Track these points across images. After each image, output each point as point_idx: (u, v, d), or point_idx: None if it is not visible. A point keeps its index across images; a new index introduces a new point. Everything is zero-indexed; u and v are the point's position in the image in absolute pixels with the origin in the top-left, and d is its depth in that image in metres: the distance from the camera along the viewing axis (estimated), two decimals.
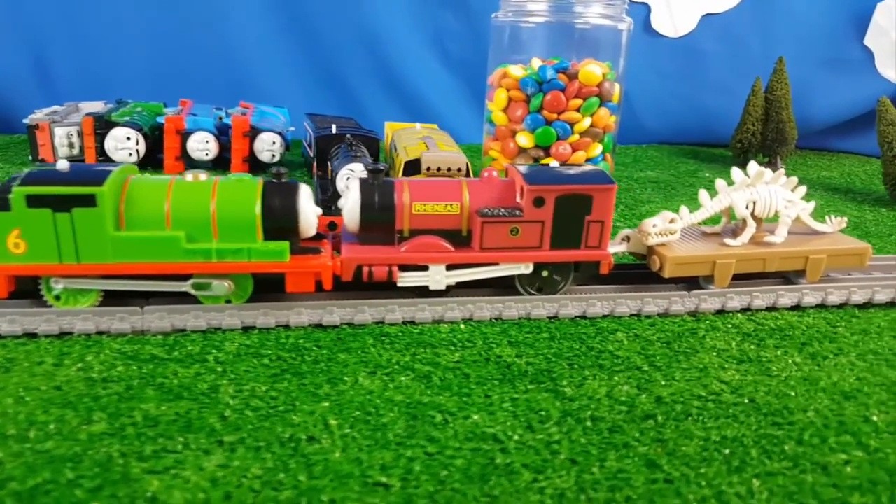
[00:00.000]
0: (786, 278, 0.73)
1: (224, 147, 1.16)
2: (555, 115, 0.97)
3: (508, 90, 1.00)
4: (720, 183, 0.72)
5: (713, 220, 0.75)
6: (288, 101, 1.39)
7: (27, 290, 0.59)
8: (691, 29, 1.53)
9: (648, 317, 0.66)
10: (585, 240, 0.64)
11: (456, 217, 0.63)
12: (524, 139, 0.99)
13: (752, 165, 0.72)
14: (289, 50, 1.48)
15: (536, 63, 1.01)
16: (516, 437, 0.45)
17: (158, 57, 1.43)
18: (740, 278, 0.70)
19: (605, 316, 0.65)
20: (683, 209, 0.70)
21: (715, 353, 0.59)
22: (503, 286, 0.67)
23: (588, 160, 1.00)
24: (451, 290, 0.65)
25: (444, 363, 0.55)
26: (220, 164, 1.17)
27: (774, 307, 0.69)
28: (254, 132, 1.15)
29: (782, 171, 0.73)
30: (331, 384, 0.51)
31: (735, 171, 0.73)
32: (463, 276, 0.64)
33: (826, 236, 0.75)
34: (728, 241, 0.70)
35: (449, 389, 0.51)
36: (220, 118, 1.18)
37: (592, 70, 0.96)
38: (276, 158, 1.16)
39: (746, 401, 0.51)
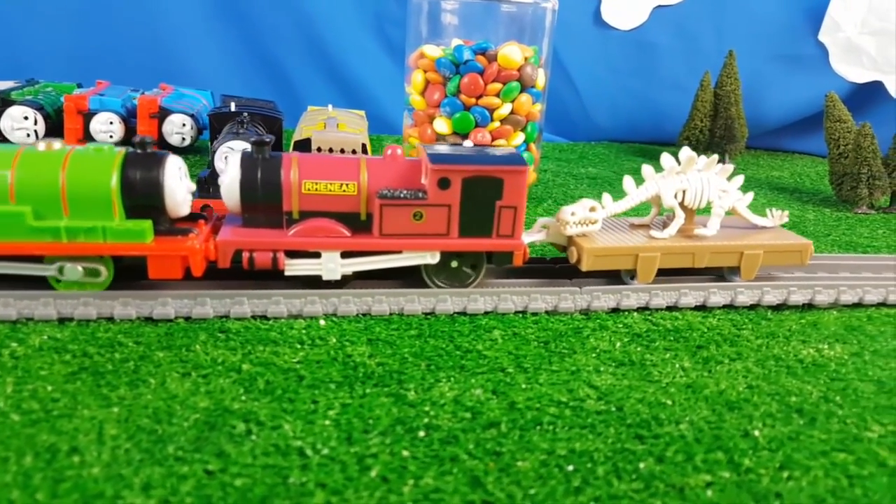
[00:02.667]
0: (721, 276, 0.67)
1: (132, 129, 1.09)
2: (473, 100, 0.91)
3: (426, 72, 0.93)
4: (647, 169, 0.66)
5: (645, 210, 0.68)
6: (220, 85, 1.32)
7: None
8: (642, 21, 1.47)
9: (535, 314, 0.60)
10: (497, 228, 0.58)
11: (353, 199, 0.56)
12: (442, 125, 0.93)
13: (684, 151, 0.66)
14: (221, 32, 1.40)
15: (455, 43, 0.95)
16: (326, 451, 0.39)
17: (83, 38, 1.35)
18: (669, 274, 0.64)
19: (487, 312, 0.59)
20: (606, 197, 0.64)
21: (594, 355, 0.53)
22: (410, 278, 0.60)
23: None
24: (347, 282, 0.59)
25: (280, 364, 0.48)
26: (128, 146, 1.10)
27: (676, 306, 0.63)
28: (162, 113, 1.08)
29: (715, 157, 0.66)
30: (130, 387, 0.44)
31: (665, 157, 0.66)
32: (360, 264, 0.57)
33: (765, 231, 0.69)
34: (654, 233, 0.65)
35: (271, 394, 0.44)
36: (135, 100, 1.11)
37: (511, 52, 0.90)
38: (187, 142, 1.09)
39: (613, 409, 0.45)
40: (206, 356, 0.48)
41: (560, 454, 0.39)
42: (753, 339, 0.57)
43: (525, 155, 0.97)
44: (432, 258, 0.58)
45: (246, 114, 0.83)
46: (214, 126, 0.85)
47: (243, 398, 0.43)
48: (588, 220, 0.62)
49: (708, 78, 1.32)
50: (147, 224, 0.52)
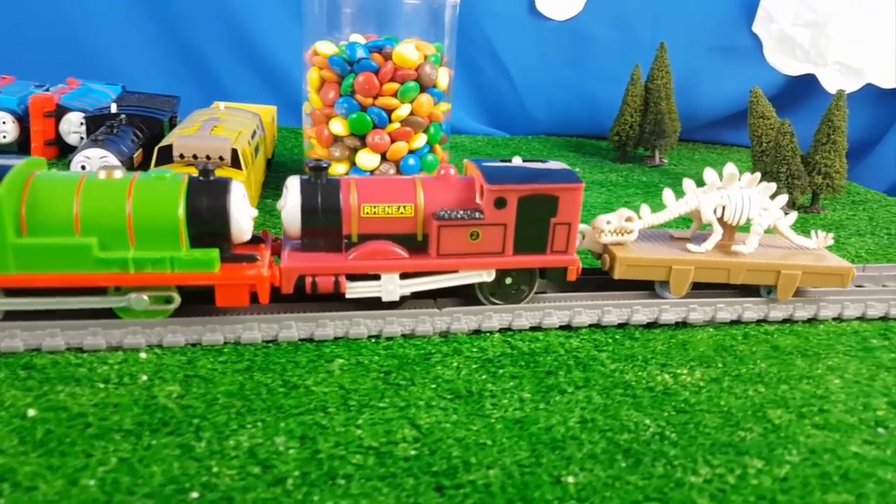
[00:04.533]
0: (758, 293, 0.66)
1: (27, 129, 1.04)
2: (370, 101, 0.87)
3: (321, 69, 0.89)
4: (688, 183, 0.66)
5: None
6: (139, 81, 1.26)
7: None
8: (578, 12, 1.43)
9: (390, 338, 0.56)
10: (551, 244, 0.59)
11: (410, 220, 0.57)
12: (338, 126, 0.89)
13: (728, 167, 0.66)
14: (141, 24, 1.34)
15: (354, 40, 0.90)
16: None
17: None
18: (704, 288, 0.64)
19: (337, 339, 0.56)
20: (644, 208, 0.65)
21: (433, 386, 0.49)
22: (464, 295, 0.61)
23: (411, 152, 0.90)
24: (404, 301, 0.59)
25: (73, 408, 0.44)
26: (25, 147, 1.04)
27: (539, 327, 0.59)
28: (59, 112, 1.03)
29: (758, 175, 0.66)
30: None
31: (707, 172, 0.66)
32: (418, 285, 0.58)
33: (806, 252, 0.67)
34: (691, 246, 0.64)
35: (44, 447, 0.40)
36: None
37: (406, 51, 0.86)
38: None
39: (425, 453, 0.42)
40: None
41: None
42: (609, 362, 0.54)
43: (429, 157, 0.93)
44: (488, 276, 0.59)
45: (123, 116, 0.79)
46: (90, 128, 0.81)
47: (11, 451, 0.40)
48: (624, 230, 0.63)
49: (638, 71, 1.29)
50: (214, 253, 0.51)
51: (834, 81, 1.31)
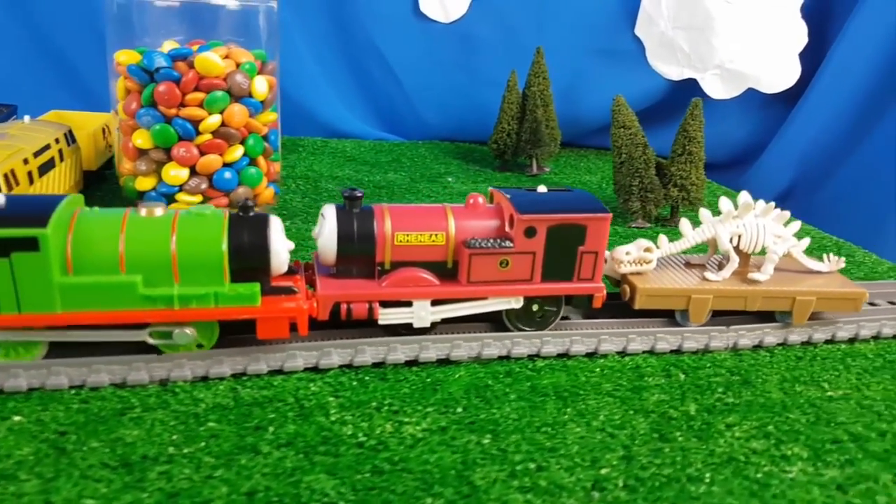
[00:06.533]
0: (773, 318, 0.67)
1: None
2: (173, 111, 0.81)
3: (126, 78, 0.83)
4: (704, 213, 0.68)
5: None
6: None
7: None
8: (462, 13, 1.38)
9: (96, 388, 0.50)
10: (578, 272, 0.60)
11: (441, 248, 0.58)
12: (142, 138, 0.82)
13: (742, 196, 0.68)
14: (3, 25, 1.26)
15: (167, 46, 0.84)
16: None
17: None
18: (722, 314, 0.66)
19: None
20: (662, 238, 0.67)
21: (107, 451, 0.43)
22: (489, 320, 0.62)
23: (226, 165, 0.84)
24: (435, 328, 0.60)
25: None
26: None
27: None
28: None
29: (772, 204, 0.68)
30: None
31: (723, 201, 0.67)
32: (448, 311, 0.59)
33: (819, 276, 0.69)
34: (709, 275, 0.66)
35: None
36: None
37: (210, 58, 0.79)
38: None
39: None
40: None
41: None
42: (335, 411, 0.49)
43: (252, 171, 0.87)
44: (516, 303, 0.60)
45: None
46: None
47: None
48: (642, 260, 0.64)
49: (514, 77, 1.24)
50: (256, 287, 0.52)
51: (715, 87, 1.28)
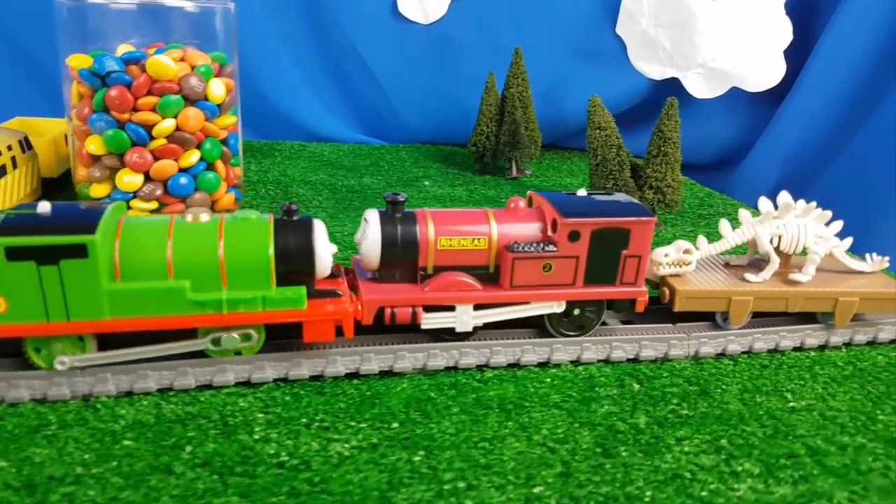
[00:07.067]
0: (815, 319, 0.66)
1: None
2: (126, 116, 0.79)
3: (79, 83, 0.81)
4: (744, 214, 0.67)
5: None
6: None
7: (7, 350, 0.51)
8: (442, 15, 1.36)
9: (15, 405, 0.49)
10: (621, 276, 0.59)
11: (483, 253, 0.58)
12: (94, 144, 0.80)
13: (782, 196, 0.67)
14: None
15: (122, 50, 0.82)
16: None
17: None
18: (763, 316, 0.65)
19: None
20: (701, 240, 0.66)
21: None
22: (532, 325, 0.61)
23: (182, 170, 0.82)
24: (476, 332, 0.60)
25: None
26: None
27: (210, 385, 0.52)
28: None
29: (814, 204, 0.66)
30: None
31: (762, 202, 0.66)
32: (490, 316, 0.58)
33: (862, 276, 0.67)
34: (749, 276, 0.64)
35: None
36: None
37: (162, 61, 0.78)
38: None
39: None
40: None
41: None
42: (261, 428, 0.47)
43: (209, 176, 0.85)
44: (559, 307, 0.59)
45: None
46: None
47: None
48: (682, 262, 0.63)
49: (493, 79, 1.21)
50: (303, 291, 0.53)
51: (698, 86, 1.26)
